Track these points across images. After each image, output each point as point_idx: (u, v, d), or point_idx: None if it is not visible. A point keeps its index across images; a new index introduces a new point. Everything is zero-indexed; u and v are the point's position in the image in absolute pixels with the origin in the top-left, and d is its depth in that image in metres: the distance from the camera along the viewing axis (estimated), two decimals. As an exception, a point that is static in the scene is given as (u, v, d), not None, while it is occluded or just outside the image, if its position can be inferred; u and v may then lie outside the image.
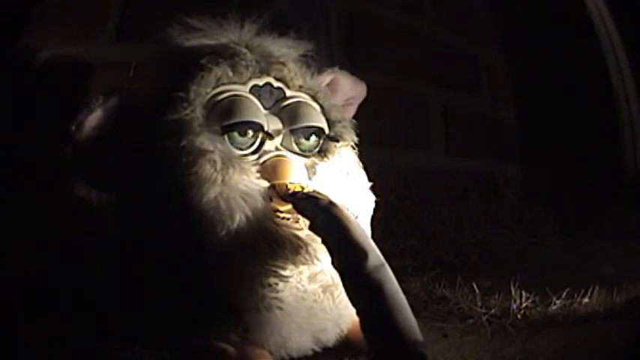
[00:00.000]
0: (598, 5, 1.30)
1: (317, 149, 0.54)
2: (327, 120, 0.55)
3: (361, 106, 0.64)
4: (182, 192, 0.46)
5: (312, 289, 0.49)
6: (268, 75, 0.53)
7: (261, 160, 0.50)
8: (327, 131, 0.55)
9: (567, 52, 1.29)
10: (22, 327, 0.53)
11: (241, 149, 0.50)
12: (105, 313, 0.55)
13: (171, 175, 0.47)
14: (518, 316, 0.61)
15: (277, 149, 0.52)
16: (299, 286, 0.48)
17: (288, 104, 0.53)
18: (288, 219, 0.48)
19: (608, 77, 1.30)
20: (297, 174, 0.50)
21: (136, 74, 0.74)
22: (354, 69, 0.63)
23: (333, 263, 0.44)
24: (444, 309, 0.65)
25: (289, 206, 0.48)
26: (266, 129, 0.51)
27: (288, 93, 0.54)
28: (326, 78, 0.59)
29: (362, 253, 0.42)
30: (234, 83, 0.51)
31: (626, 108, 1.30)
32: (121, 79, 0.74)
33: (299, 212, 0.47)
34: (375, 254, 0.42)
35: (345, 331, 0.52)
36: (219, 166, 0.47)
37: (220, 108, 0.50)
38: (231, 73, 0.51)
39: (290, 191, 0.47)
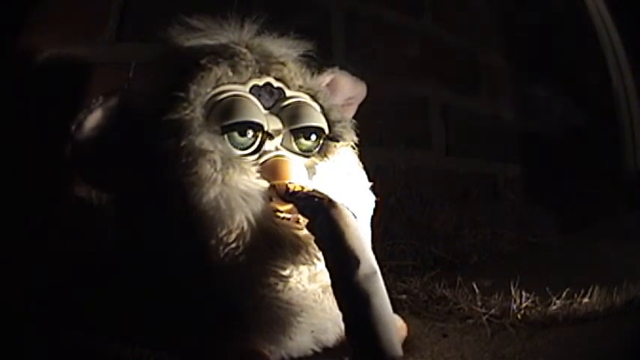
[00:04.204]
0: (598, 5, 1.30)
1: (317, 149, 0.54)
2: (327, 120, 0.55)
3: (361, 106, 0.64)
4: (182, 192, 0.46)
5: (312, 289, 0.49)
6: (268, 75, 0.53)
7: (261, 160, 0.50)
8: (327, 131, 0.55)
9: (567, 51, 1.29)
10: (22, 327, 0.53)
11: (241, 149, 0.50)
12: (105, 313, 0.55)
13: (171, 175, 0.47)
14: (518, 316, 0.61)
15: (277, 149, 0.52)
16: (299, 286, 0.48)
17: (288, 104, 0.53)
18: (288, 219, 0.48)
19: (608, 77, 1.30)
20: (297, 174, 0.50)
21: (136, 74, 0.74)
22: (354, 69, 0.63)
23: (326, 265, 0.44)
24: (444, 309, 0.65)
25: (289, 206, 0.48)
26: (266, 129, 0.51)
27: (288, 93, 0.54)
28: (326, 78, 0.59)
29: (354, 261, 0.42)
30: (234, 83, 0.51)
31: (626, 108, 1.30)
32: (121, 79, 0.74)
33: (299, 212, 0.47)
34: (368, 262, 0.42)
35: (345, 331, 0.52)
36: (219, 166, 0.47)
37: (220, 108, 0.50)
38: (231, 73, 0.51)
39: (290, 191, 0.47)
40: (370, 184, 0.55)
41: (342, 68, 0.61)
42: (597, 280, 0.66)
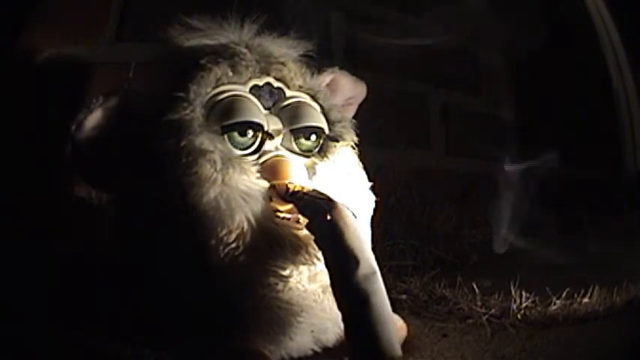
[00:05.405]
0: (598, 5, 1.30)
1: (317, 149, 0.54)
2: (327, 120, 0.55)
3: (361, 106, 0.64)
4: (182, 192, 0.46)
5: (312, 289, 0.49)
6: (268, 75, 0.53)
7: (261, 160, 0.50)
8: (327, 131, 0.55)
9: (567, 52, 1.29)
10: (23, 327, 0.53)
11: (241, 149, 0.50)
12: (105, 313, 0.55)
13: (171, 175, 0.47)
14: (518, 316, 0.61)
15: (277, 149, 0.52)
16: (299, 286, 0.48)
17: (288, 104, 0.53)
18: (288, 219, 0.48)
19: (608, 77, 1.30)
20: (297, 174, 0.50)
21: (136, 74, 0.74)
22: (354, 69, 0.63)
23: (326, 265, 0.44)
24: (444, 309, 0.65)
25: (289, 206, 0.48)
26: (266, 129, 0.51)
27: (288, 93, 0.54)
28: (326, 78, 0.59)
29: (354, 261, 0.42)
30: (234, 83, 0.51)
31: (626, 108, 1.30)
32: (121, 79, 0.74)
33: (299, 212, 0.47)
34: (367, 262, 0.43)
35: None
36: (219, 166, 0.47)
37: (220, 108, 0.50)
38: (231, 73, 0.51)
39: (290, 191, 0.47)
40: (370, 184, 0.55)
41: (342, 68, 0.61)
42: (597, 280, 0.66)
